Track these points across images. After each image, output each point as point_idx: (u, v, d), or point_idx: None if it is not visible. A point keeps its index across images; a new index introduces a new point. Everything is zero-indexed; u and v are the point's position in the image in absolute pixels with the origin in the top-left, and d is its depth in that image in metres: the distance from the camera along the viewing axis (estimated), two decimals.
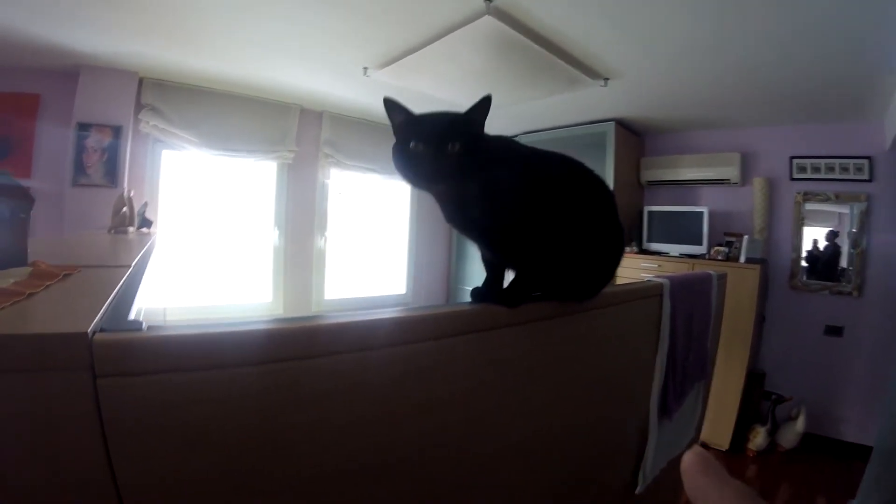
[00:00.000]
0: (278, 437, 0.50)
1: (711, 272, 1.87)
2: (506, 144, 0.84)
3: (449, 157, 0.73)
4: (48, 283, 0.65)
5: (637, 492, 1.39)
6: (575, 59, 2.60)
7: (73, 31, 2.46)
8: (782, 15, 2.01)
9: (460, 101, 3.25)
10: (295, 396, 0.51)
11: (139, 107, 3.13)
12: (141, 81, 3.13)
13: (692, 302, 1.61)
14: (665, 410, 1.50)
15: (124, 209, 2.35)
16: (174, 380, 0.43)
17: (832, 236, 3.46)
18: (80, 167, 2.91)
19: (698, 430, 2.01)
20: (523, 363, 0.82)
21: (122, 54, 2.78)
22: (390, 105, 0.78)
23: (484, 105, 0.77)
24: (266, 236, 3.96)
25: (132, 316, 0.57)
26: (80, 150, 2.91)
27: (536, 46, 2.34)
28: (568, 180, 0.88)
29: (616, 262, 0.97)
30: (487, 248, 0.85)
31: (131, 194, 2.45)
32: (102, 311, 0.49)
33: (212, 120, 3.42)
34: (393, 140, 0.77)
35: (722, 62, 2.54)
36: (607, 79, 2.86)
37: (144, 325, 0.45)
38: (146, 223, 2.70)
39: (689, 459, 0.29)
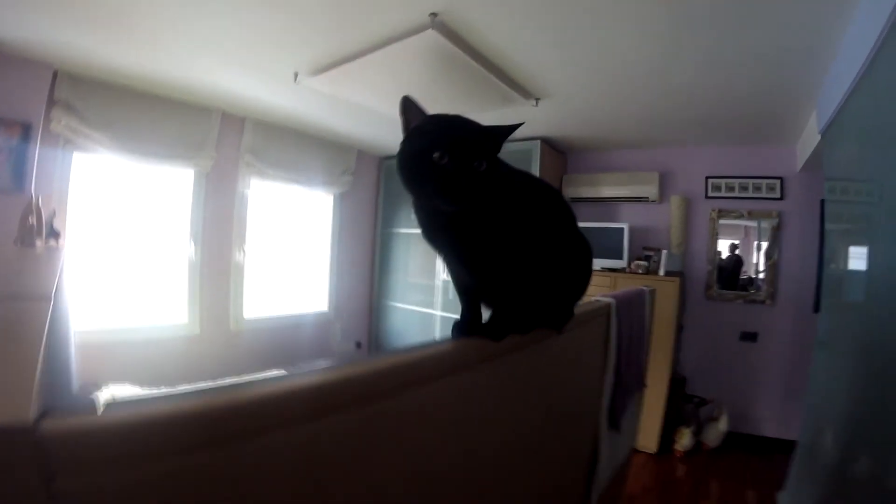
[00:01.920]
0: None
1: (644, 288, 1.96)
2: (503, 166, 0.79)
3: (475, 175, 0.67)
4: None
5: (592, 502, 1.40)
6: (511, 79, 2.64)
7: None
8: (716, 46, 2.15)
9: (393, 114, 3.21)
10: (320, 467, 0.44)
11: (51, 103, 2.83)
12: (55, 74, 2.82)
13: (632, 318, 1.67)
14: (614, 423, 1.53)
15: (33, 218, 2.10)
16: (142, 472, 0.33)
17: (733, 248, 3.76)
18: None
19: (635, 436, 2.09)
20: (493, 399, 0.79)
21: (38, 42, 2.50)
22: (409, 104, 0.70)
23: (512, 130, 0.73)
24: (181, 250, 3.69)
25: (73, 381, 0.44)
26: None
27: (475, 64, 2.35)
28: (550, 206, 0.87)
29: (587, 278, 0.97)
30: (477, 277, 0.79)
31: (40, 202, 2.21)
32: (38, 381, 0.35)
33: (128, 121, 3.15)
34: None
35: (653, 86, 2.67)
36: (539, 99, 2.92)
37: (100, 401, 0.35)
38: (54, 234, 2.43)
39: None
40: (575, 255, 0.91)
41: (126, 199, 3.42)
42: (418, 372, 0.58)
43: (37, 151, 2.73)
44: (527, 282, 0.79)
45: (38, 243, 2.12)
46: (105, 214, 3.30)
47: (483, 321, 0.81)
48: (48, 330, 0.56)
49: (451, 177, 0.65)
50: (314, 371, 0.47)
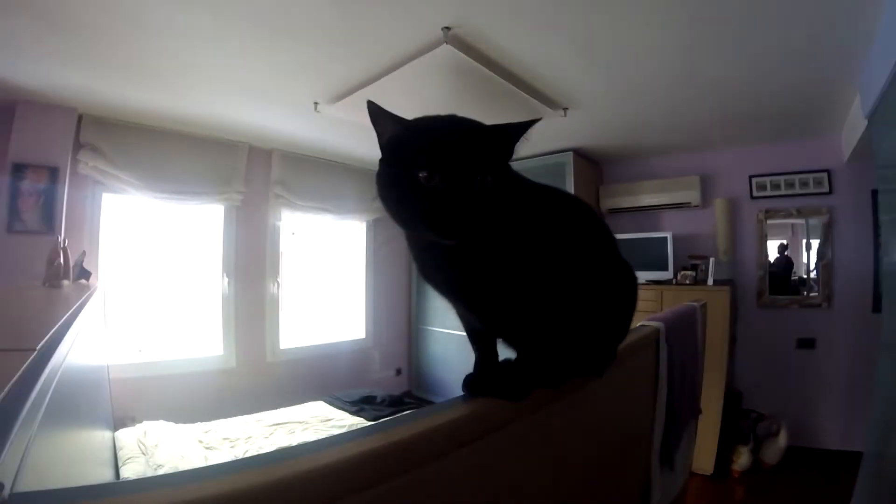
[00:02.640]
0: None
1: (695, 304, 1.82)
2: (517, 178, 0.63)
3: (477, 196, 0.51)
4: None
5: None
6: (535, 90, 2.55)
7: (11, 61, 2.23)
8: (749, 40, 2.03)
9: None
10: None
11: (78, 146, 2.88)
12: (80, 118, 2.88)
13: (683, 340, 1.53)
14: (667, 460, 1.39)
15: (59, 260, 2.12)
16: None
17: (782, 249, 3.55)
18: (14, 212, 2.63)
19: (689, 465, 1.93)
20: (526, 460, 0.67)
21: (61, 87, 2.55)
22: (376, 113, 0.55)
23: (527, 127, 0.57)
24: (214, 284, 3.70)
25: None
26: (15, 193, 2.63)
27: (496, 77, 2.27)
28: (582, 227, 0.73)
29: (632, 312, 0.82)
30: (490, 324, 0.66)
31: (66, 244, 2.23)
32: None
33: (155, 160, 3.18)
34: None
35: (685, 87, 2.55)
36: (567, 108, 2.82)
37: (6, 493, 0.28)
38: (84, 274, 2.48)
39: None
40: (616, 285, 0.75)
41: (158, 235, 3.46)
42: (420, 450, 0.47)
43: (65, 194, 2.78)
44: (555, 325, 0.65)
45: (66, 283, 2.14)
46: (138, 252, 3.34)
47: (501, 368, 0.69)
48: (12, 385, 0.50)
49: (444, 202, 0.50)
50: (278, 463, 0.37)
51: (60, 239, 2.25)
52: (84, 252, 2.56)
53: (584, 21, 1.90)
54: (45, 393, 0.59)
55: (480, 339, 0.70)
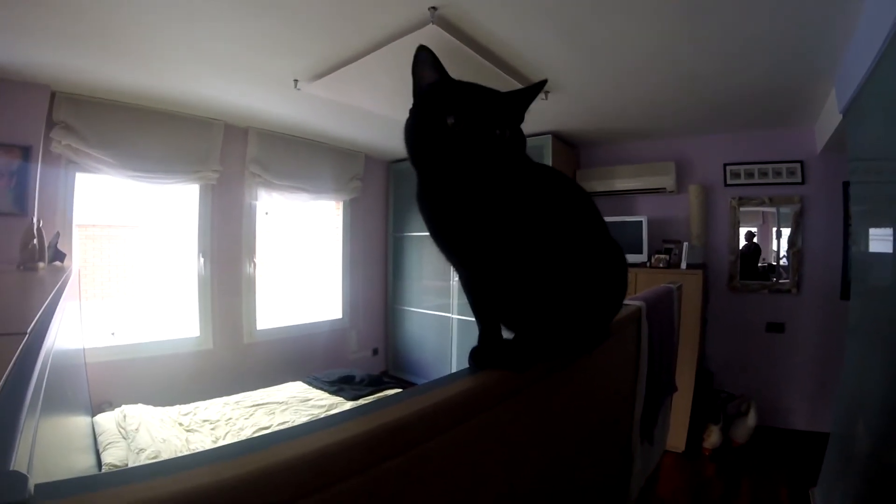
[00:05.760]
0: None
1: (672, 286, 1.86)
2: (528, 157, 0.70)
3: (498, 144, 0.58)
4: None
5: None
6: (518, 73, 2.54)
7: None
8: (728, 28, 2.05)
9: (395, 116, 3.14)
10: None
11: (51, 125, 2.78)
12: (53, 96, 2.78)
13: (661, 319, 1.57)
14: (647, 435, 1.44)
15: (33, 242, 2.06)
16: None
17: (750, 236, 3.66)
18: None
19: (665, 440, 1.99)
20: (527, 431, 0.69)
21: (34, 65, 2.46)
22: (424, 58, 0.62)
23: (536, 91, 0.64)
24: (190, 265, 3.64)
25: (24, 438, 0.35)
26: None
27: (480, 58, 2.25)
28: (581, 206, 0.75)
29: (623, 293, 0.84)
30: (494, 285, 0.68)
31: (40, 225, 2.17)
32: None
33: (129, 139, 3.09)
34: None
35: (666, 73, 2.57)
36: (548, 92, 2.82)
37: (31, 486, 0.27)
38: (59, 256, 2.43)
39: None
40: (610, 264, 0.78)
41: (132, 216, 3.38)
42: (431, 423, 0.48)
43: (38, 174, 2.68)
44: (555, 294, 0.68)
45: (41, 265, 2.08)
46: (112, 234, 3.27)
47: (504, 342, 0.71)
48: (11, 370, 0.49)
49: (467, 144, 0.56)
50: (286, 441, 0.37)
51: (35, 220, 2.18)
52: (58, 233, 2.50)
53: (569, 5, 1.90)
54: (43, 378, 0.58)
55: (486, 314, 0.72)
